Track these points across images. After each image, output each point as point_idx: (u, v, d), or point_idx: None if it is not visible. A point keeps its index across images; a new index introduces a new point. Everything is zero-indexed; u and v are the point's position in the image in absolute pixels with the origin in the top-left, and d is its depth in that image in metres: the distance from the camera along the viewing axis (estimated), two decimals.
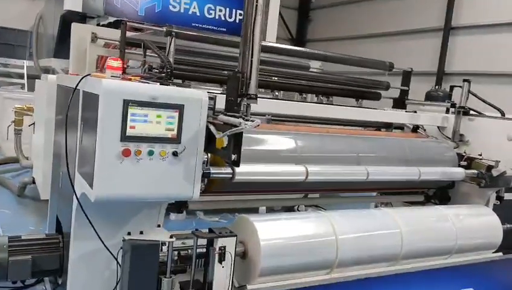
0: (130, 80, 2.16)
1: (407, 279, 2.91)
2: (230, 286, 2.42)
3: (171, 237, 2.33)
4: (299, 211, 4.85)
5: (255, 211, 4.39)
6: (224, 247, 2.36)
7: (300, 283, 2.62)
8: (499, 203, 3.69)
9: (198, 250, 2.46)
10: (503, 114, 3.74)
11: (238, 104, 2.17)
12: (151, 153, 2.08)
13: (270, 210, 4.77)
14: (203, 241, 2.45)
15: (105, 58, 4.16)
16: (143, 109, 2.02)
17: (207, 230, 2.48)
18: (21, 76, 11.05)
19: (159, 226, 2.47)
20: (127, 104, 1.98)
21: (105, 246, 2.30)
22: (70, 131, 2.43)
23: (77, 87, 2.30)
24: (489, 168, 3.49)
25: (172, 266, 2.37)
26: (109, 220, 2.37)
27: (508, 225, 3.48)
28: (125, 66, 3.75)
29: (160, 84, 2.19)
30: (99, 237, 2.28)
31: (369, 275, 2.81)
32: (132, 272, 2.20)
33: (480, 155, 3.59)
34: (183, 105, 2.12)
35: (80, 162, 2.32)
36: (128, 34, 3.64)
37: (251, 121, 2.03)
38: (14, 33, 10.81)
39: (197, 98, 2.16)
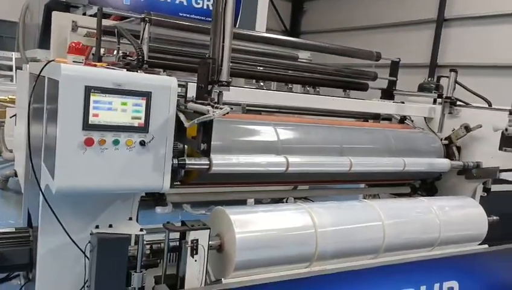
0: (94, 66, 2.07)
1: (389, 272, 2.84)
2: (203, 280, 2.34)
3: (141, 230, 2.25)
4: (287, 203, 4.78)
5: (243, 203, 4.33)
6: (197, 240, 2.28)
7: (278, 277, 2.54)
8: (485, 195, 3.63)
9: (171, 243, 2.38)
10: (490, 104, 3.67)
11: (209, 92, 2.08)
12: (116, 142, 1.99)
13: (259, 202, 4.71)
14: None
15: (90, 48, 4.06)
16: (107, 96, 1.93)
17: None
18: (10, 68, 10.88)
19: (130, 219, 2.39)
20: (88, 90, 1.88)
21: (72, 240, 2.21)
22: (35, 120, 2.34)
23: (41, 74, 2.20)
24: (467, 128, 3.49)
25: (143, 261, 2.29)
26: (78, 213, 2.29)
27: (494, 217, 3.42)
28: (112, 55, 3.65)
29: (126, 71, 2.10)
30: (66, 231, 2.19)
31: (349, 268, 2.73)
32: (100, 267, 2.11)
33: (453, 130, 3.58)
34: (151, 92, 2.03)
35: (45, 153, 2.22)
36: (111, 22, 3.53)
37: (220, 108, 1.94)
38: (3, 24, 10.63)
39: (165, 85, 2.07)
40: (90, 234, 2.17)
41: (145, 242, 2.33)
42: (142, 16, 2.92)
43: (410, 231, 3.00)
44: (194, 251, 2.27)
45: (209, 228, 2.33)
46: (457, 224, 3.20)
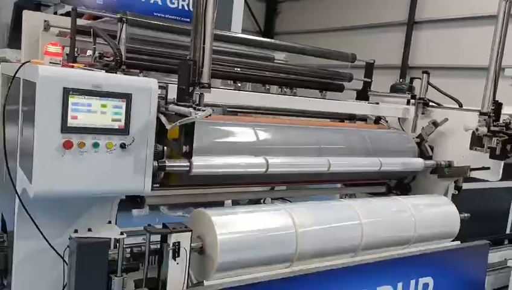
0: (72, 67, 2.03)
1: (367, 270, 2.91)
2: (185, 283, 2.33)
3: (121, 233, 2.22)
4: (265, 204, 4.80)
5: (220, 204, 4.32)
6: (179, 243, 2.27)
7: (260, 277, 2.56)
8: (457, 193, 3.75)
9: (152, 246, 2.36)
10: (460, 105, 3.80)
11: (190, 93, 2.07)
12: (96, 145, 1.96)
13: (236, 203, 4.70)
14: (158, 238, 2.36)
15: (62, 48, 3.96)
16: (86, 98, 1.90)
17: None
18: None
19: (109, 222, 2.35)
20: (67, 92, 1.85)
21: (50, 245, 2.16)
22: (10, 122, 2.27)
23: (17, 76, 2.14)
24: (435, 124, 3.61)
25: (124, 264, 2.26)
26: (56, 217, 2.24)
27: (466, 214, 3.54)
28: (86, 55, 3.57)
29: (105, 72, 2.07)
30: (43, 236, 2.14)
31: (329, 267, 2.78)
32: (79, 272, 2.08)
33: (423, 128, 3.71)
34: (131, 94, 2.00)
35: (20, 156, 2.16)
36: (86, 22, 3.44)
37: (202, 110, 1.94)
38: None
39: (145, 86, 2.05)
40: (69, 238, 2.13)
41: (124, 246, 2.30)
42: (119, 15, 2.87)
43: (387, 229, 3.08)
44: (176, 253, 2.25)
45: (191, 230, 2.33)
46: (432, 222, 3.30)
